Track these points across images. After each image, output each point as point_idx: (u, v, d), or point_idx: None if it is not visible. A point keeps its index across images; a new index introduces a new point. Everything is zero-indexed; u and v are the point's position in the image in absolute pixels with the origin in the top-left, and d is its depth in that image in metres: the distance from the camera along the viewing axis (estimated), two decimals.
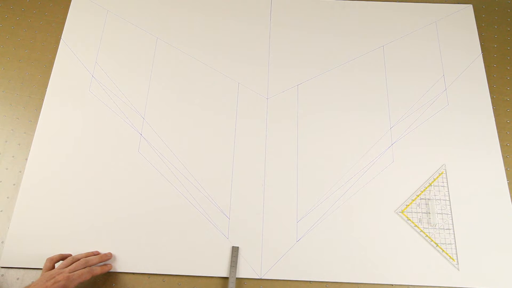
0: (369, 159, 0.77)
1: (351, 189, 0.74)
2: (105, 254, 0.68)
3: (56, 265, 0.65)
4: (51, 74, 0.83)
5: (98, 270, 0.65)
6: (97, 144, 0.77)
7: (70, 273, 0.61)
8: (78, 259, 0.65)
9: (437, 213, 0.73)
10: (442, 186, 0.75)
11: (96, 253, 0.69)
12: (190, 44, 0.86)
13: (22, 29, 0.88)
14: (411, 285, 0.69)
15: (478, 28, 0.88)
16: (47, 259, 0.64)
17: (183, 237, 0.71)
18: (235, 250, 0.70)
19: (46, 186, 0.74)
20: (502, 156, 0.77)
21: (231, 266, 0.68)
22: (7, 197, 0.74)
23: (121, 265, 0.69)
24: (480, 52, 0.85)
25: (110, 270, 0.68)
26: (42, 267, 0.64)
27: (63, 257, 0.66)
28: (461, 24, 0.88)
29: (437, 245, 0.71)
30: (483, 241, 0.71)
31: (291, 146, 0.78)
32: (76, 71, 0.83)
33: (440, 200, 0.74)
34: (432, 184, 0.75)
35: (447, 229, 0.72)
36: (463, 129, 0.79)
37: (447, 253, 0.70)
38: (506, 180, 0.75)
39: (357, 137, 0.78)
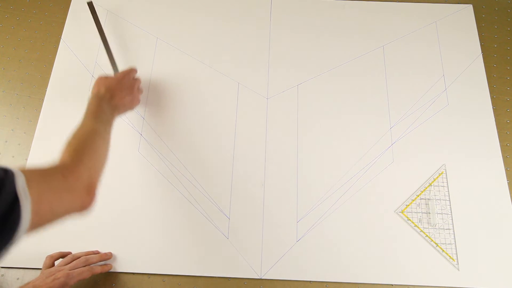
0: (369, 159, 0.77)
1: (351, 189, 0.74)
2: (105, 253, 0.68)
3: (56, 263, 0.65)
4: (51, 74, 0.83)
5: (98, 269, 0.65)
6: None
7: (70, 270, 0.61)
8: (78, 257, 0.65)
9: (437, 213, 0.73)
10: (442, 186, 0.75)
11: (96, 252, 0.69)
12: (190, 44, 0.86)
13: (22, 29, 0.88)
14: (411, 285, 0.69)
15: (478, 28, 0.88)
16: (47, 257, 0.65)
17: (183, 237, 0.71)
18: (90, 6, 0.69)
19: None
20: (502, 156, 0.77)
21: (97, 29, 0.68)
22: None
23: (121, 265, 0.69)
24: (480, 52, 0.85)
25: (110, 270, 0.68)
26: (42, 267, 0.64)
27: (63, 255, 0.66)
28: (461, 24, 0.88)
29: (437, 245, 0.71)
30: (483, 241, 0.71)
31: (291, 146, 0.78)
32: (76, 71, 0.83)
33: (440, 200, 0.74)
34: (432, 184, 0.75)
35: (447, 229, 0.72)
36: (463, 129, 0.79)
37: (447, 253, 0.70)
38: (506, 180, 0.75)
39: (357, 137, 0.78)
